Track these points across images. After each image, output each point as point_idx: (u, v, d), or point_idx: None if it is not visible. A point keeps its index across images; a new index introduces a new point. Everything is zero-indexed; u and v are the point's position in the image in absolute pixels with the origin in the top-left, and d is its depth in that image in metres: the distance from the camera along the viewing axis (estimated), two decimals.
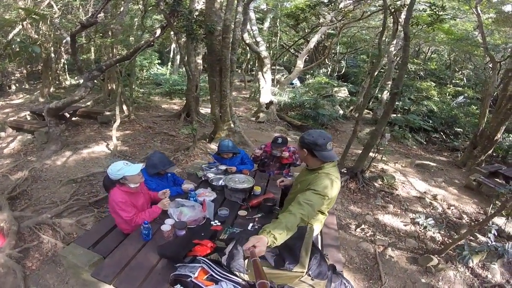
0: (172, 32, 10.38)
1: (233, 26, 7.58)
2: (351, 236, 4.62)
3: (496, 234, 4.14)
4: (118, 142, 7.54)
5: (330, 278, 2.10)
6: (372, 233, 4.75)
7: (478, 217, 5.61)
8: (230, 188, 3.35)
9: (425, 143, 10.71)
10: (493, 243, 4.01)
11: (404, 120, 11.09)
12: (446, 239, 4.73)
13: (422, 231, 4.87)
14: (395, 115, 11.81)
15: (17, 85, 14.17)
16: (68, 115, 8.95)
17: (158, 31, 7.53)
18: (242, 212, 3.10)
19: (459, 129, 11.73)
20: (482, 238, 4.58)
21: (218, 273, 2.00)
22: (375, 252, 4.24)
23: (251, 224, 2.87)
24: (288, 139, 9.24)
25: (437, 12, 7.34)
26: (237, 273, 1.97)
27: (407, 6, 5.77)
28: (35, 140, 7.40)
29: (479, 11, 8.62)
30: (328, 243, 2.94)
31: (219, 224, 2.86)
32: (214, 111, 7.76)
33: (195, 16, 6.85)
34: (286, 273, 1.93)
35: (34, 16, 4.86)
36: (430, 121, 11.67)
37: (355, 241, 4.49)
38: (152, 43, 7.66)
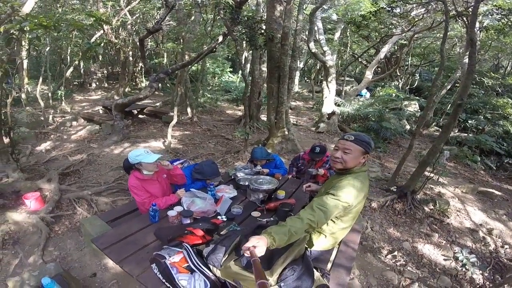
0: (244, 42, 10.71)
1: (293, 34, 7.56)
2: (379, 262, 4.06)
3: None
4: (175, 140, 7.93)
5: None
6: (403, 262, 4.12)
7: None
8: (251, 188, 3.26)
9: (495, 168, 9.27)
10: None
11: (475, 140, 9.83)
12: (488, 283, 3.94)
13: (462, 269, 4.10)
14: (466, 134, 10.62)
15: (97, 83, 15.85)
16: (135, 112, 9.66)
17: (220, 38, 7.81)
18: (255, 213, 2.98)
19: None
20: None
21: (195, 263, 1.96)
22: (399, 285, 3.67)
23: (259, 222, 2.71)
24: None
25: (506, 17, 6.51)
26: (211, 267, 1.92)
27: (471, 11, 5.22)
28: (101, 130, 8.17)
29: None
30: (340, 262, 2.60)
31: (225, 219, 2.78)
32: (270, 117, 7.75)
33: (255, 24, 6.96)
34: (252, 276, 1.73)
35: (101, 22, 5.42)
36: (505, 144, 10.15)
37: (381, 268, 3.93)
38: (214, 49, 7.95)
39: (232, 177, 3.89)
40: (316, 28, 10.81)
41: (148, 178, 3.06)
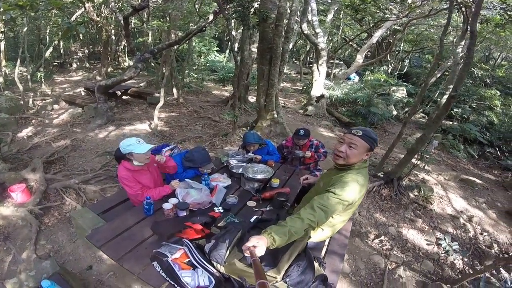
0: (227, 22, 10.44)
1: (288, 14, 7.34)
2: (366, 246, 4.19)
3: None
4: (161, 122, 7.75)
5: None
6: (389, 247, 4.27)
7: (509, 249, 4.85)
8: (246, 177, 3.21)
9: (477, 157, 9.62)
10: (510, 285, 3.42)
11: (460, 129, 10.09)
12: (467, 268, 4.12)
13: (444, 254, 4.29)
14: (451, 122, 10.85)
15: (78, 63, 15.28)
16: (119, 93, 9.37)
17: (211, 17, 7.54)
18: (251, 203, 2.94)
19: None
20: (505, 275, 3.85)
21: (197, 259, 1.93)
22: (385, 269, 3.79)
23: (255, 217, 2.69)
24: (332, 134, 9.00)
25: (507, 13, 6.50)
26: (214, 263, 1.89)
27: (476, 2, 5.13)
28: (83, 113, 7.88)
29: None
30: (334, 249, 2.65)
31: (222, 211, 2.73)
32: (260, 99, 7.63)
33: (249, 2, 6.71)
34: None
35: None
36: (488, 134, 10.47)
37: (368, 252, 4.07)
38: (204, 29, 7.70)
39: (225, 164, 3.82)
40: (309, 8, 10.58)
41: (139, 169, 2.96)
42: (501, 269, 3.80)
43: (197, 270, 1.88)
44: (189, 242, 2.02)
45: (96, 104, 7.47)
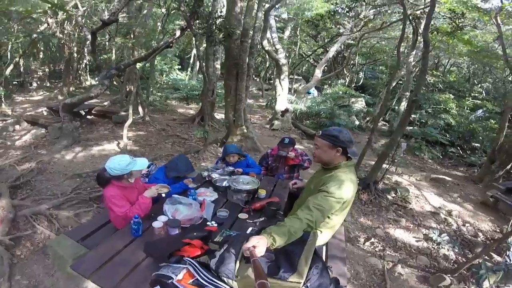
0: (194, 38, 10.51)
1: (252, 31, 7.55)
2: (359, 250, 4.31)
3: None
4: (129, 141, 7.50)
5: None
6: (381, 248, 4.43)
7: (494, 236, 5.25)
8: (233, 189, 3.15)
9: (441, 157, 10.31)
10: (511, 262, 3.67)
11: (421, 133, 10.73)
12: (460, 257, 4.38)
13: (435, 248, 4.52)
14: (411, 127, 11.48)
15: (38, 82, 14.58)
16: (83, 113, 9.03)
17: (178, 33, 7.53)
18: (242, 215, 2.88)
19: (476, 144, 11.26)
20: (498, 258, 4.20)
21: (205, 278, 1.79)
22: (384, 269, 3.91)
23: (250, 228, 2.63)
24: (302, 147, 9.12)
25: (456, 21, 7.17)
26: (225, 279, 1.77)
27: (426, 13, 5.64)
28: (47, 134, 7.45)
29: (499, 22, 8.28)
30: (334, 254, 2.66)
31: (216, 225, 2.64)
32: (228, 115, 7.67)
33: (215, 19, 6.81)
34: (279, 282, 1.69)
35: (57, 10, 4.88)
36: (447, 135, 11.27)
37: (363, 256, 4.18)
38: (170, 45, 7.67)
39: (207, 179, 3.72)
40: (268, 25, 10.88)
41: (130, 186, 2.82)
42: (492, 253, 4.14)
43: None
44: (192, 260, 1.89)
45: (61, 124, 7.13)
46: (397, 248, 4.48)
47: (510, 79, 14.88)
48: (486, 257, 4.11)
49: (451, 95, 13.09)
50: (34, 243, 3.69)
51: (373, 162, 6.34)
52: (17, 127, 7.97)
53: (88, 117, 9.29)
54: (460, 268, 3.78)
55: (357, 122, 12.50)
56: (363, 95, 15.19)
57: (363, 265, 3.96)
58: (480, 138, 11.21)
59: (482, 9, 9.28)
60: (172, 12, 9.45)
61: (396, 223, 5.16)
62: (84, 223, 3.75)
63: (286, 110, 11.30)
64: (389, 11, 10.09)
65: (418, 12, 7.89)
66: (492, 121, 11.79)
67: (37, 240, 3.73)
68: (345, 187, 2.11)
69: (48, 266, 3.32)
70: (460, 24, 7.43)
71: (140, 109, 10.13)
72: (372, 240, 4.54)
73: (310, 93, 15.53)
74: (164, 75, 16.79)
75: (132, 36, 10.52)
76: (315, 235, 2.04)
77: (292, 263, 1.76)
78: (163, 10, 9.14)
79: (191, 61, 20.19)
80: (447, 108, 12.22)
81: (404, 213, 5.56)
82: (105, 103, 11.50)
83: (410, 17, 7.60)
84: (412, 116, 11.68)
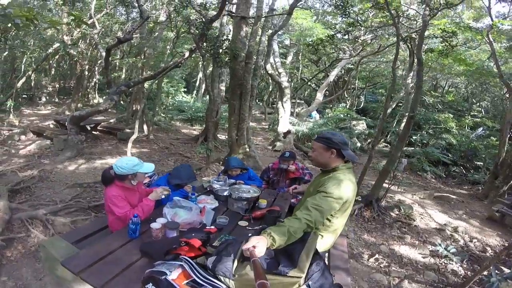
0: (200, 62, 10.81)
1: (255, 55, 7.85)
2: (363, 266, 4.19)
3: None
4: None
5: None
6: (386, 264, 4.31)
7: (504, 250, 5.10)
8: (233, 197, 3.13)
9: (444, 176, 10.21)
10: None
11: (423, 153, 10.69)
12: (469, 272, 4.25)
13: (443, 263, 4.40)
14: (413, 148, 11.45)
15: (47, 97, 15.00)
16: (89, 128, 9.13)
17: (187, 54, 7.75)
18: (242, 223, 2.84)
19: (479, 163, 11.12)
20: (507, 271, 4.07)
21: (201, 277, 1.70)
22: (390, 284, 3.80)
23: (250, 234, 2.54)
24: (303, 165, 9.04)
25: (447, 40, 7.45)
26: (222, 278, 1.69)
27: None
28: (52, 145, 7.56)
29: (491, 39, 8.48)
30: (337, 264, 2.58)
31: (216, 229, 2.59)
32: (231, 133, 7.77)
33: (221, 42, 7.09)
34: (279, 278, 1.64)
35: (79, 23, 5.09)
36: (450, 155, 11.19)
37: (367, 272, 4.06)
38: (179, 64, 7.86)
39: (208, 189, 3.74)
40: (272, 50, 11.17)
41: (132, 188, 2.82)
42: (501, 267, 4.11)
43: None
44: (188, 259, 1.81)
45: (67, 136, 7.23)
46: (402, 264, 4.39)
47: (507, 96, 15.10)
48: (496, 271, 3.99)
49: (450, 114, 13.18)
50: (26, 246, 3.63)
51: (374, 182, 6.36)
52: (23, 137, 8.12)
53: (94, 132, 9.42)
54: (470, 281, 3.65)
55: (358, 144, 12.54)
56: (364, 118, 15.28)
57: (368, 281, 3.85)
58: (483, 156, 11.17)
59: (474, 29, 9.73)
60: (181, 35, 9.73)
61: (400, 239, 5.09)
62: (80, 226, 3.69)
63: (288, 132, 11.39)
64: (386, 35, 10.33)
65: (413, 34, 8.13)
66: (493, 138, 11.82)
67: (29, 244, 3.67)
68: (343, 187, 2.12)
69: (38, 270, 3.24)
70: (452, 43, 7.70)
71: (145, 127, 10.29)
72: (377, 256, 4.45)
73: (311, 116, 15.73)
74: (170, 97, 17.09)
75: (143, 56, 10.82)
76: (315, 234, 2.01)
77: (292, 259, 1.72)
78: (173, 33, 9.42)
79: (197, 84, 20.67)
80: (448, 128, 12.29)
81: (409, 230, 5.48)
82: (111, 120, 11.67)
83: (406, 39, 7.90)
84: (413, 137, 11.74)
